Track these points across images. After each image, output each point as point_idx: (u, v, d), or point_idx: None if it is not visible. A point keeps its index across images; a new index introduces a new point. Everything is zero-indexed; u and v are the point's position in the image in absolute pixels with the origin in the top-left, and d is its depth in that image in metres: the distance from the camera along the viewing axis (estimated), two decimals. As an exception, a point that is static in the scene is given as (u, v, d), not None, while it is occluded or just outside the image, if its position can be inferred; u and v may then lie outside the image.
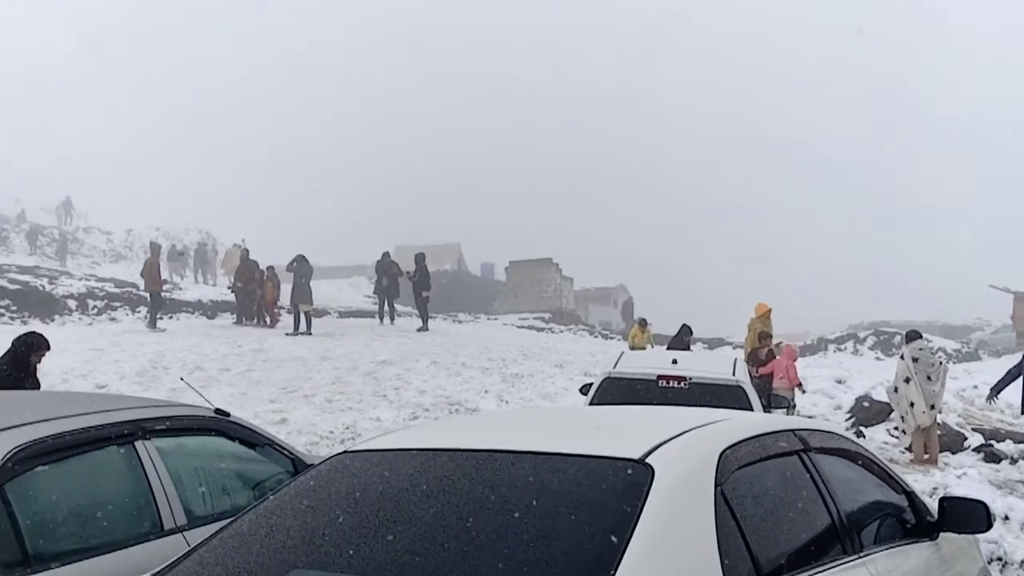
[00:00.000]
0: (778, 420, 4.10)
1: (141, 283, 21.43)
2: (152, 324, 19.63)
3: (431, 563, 2.24)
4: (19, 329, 19.10)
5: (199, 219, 49.11)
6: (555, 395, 13.70)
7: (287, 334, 19.42)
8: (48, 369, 13.53)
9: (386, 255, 23.44)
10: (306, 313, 20.14)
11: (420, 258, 22.17)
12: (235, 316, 22.22)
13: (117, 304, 22.52)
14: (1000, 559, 7.25)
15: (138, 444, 3.74)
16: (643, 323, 19.17)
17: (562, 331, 32.15)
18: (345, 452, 3.03)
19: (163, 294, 21.23)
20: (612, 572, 2.06)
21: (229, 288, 23.46)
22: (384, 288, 23.01)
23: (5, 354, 7.41)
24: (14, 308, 20.77)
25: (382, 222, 62.16)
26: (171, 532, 3.64)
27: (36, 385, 7.38)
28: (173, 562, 2.57)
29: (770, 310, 14.57)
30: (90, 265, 35.72)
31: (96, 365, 13.95)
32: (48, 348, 7.47)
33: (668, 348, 13.53)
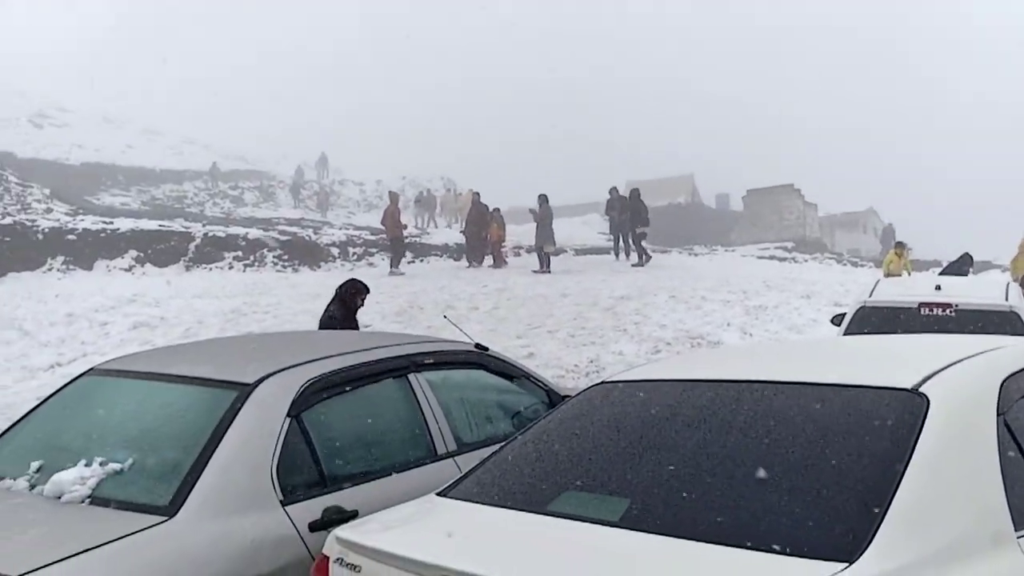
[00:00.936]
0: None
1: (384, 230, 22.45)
2: (395, 268, 20.53)
3: (699, 489, 2.29)
4: (292, 276, 21.17)
5: (442, 167, 51.34)
6: (803, 327, 13.19)
7: (533, 271, 20.05)
8: (319, 311, 14.92)
9: (614, 191, 23.38)
10: (548, 253, 20.68)
11: (635, 194, 22.01)
12: (466, 259, 23.03)
13: (374, 251, 24.15)
14: None
15: (411, 376, 4.04)
16: (900, 247, 17.91)
17: (806, 260, 30.73)
18: (604, 383, 3.13)
19: (405, 240, 22.27)
20: (886, 505, 2.01)
21: (461, 231, 24.28)
22: (617, 224, 23.02)
23: (332, 300, 8.25)
24: (285, 257, 22.88)
25: (614, 157, 61.85)
26: (443, 457, 3.90)
27: (356, 327, 8.15)
28: (454, 482, 2.79)
29: None
30: (347, 215, 38.51)
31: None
32: (368, 292, 8.27)
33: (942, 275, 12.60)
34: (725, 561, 1.97)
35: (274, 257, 22.75)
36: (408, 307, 14.86)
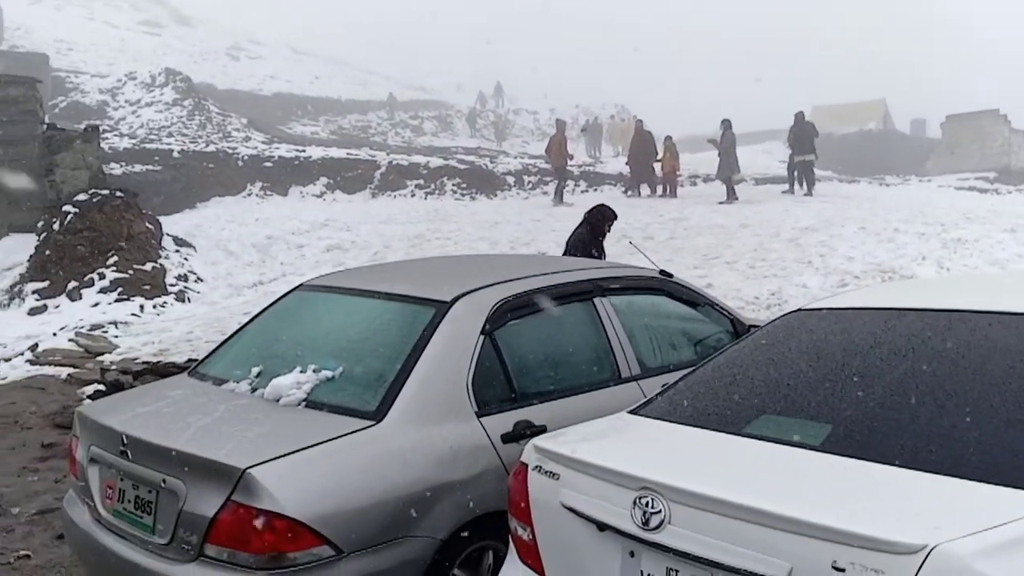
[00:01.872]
0: None
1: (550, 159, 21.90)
2: (559, 198, 20.22)
3: (902, 416, 2.23)
4: (470, 204, 21.69)
5: (616, 95, 50.60)
6: (1006, 262, 12.24)
7: (719, 203, 19.43)
8: (497, 238, 15.28)
9: (800, 115, 22.04)
10: (734, 182, 20.10)
11: (799, 117, 20.84)
12: (625, 187, 22.47)
13: (548, 179, 24.33)
14: None
15: (596, 300, 4.08)
16: None
17: (1011, 192, 28.35)
18: (800, 310, 3.06)
19: (569, 169, 21.88)
20: None
21: (626, 162, 23.71)
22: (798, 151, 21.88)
23: (580, 224, 8.33)
24: (464, 185, 23.44)
25: (799, 81, 58.76)
26: (627, 380, 3.94)
27: (603, 252, 8.22)
28: (647, 401, 2.84)
29: None
30: (521, 144, 38.79)
31: (536, 234, 15.32)
32: (616, 218, 8.31)
33: None
34: (930, 488, 1.93)
35: (453, 185, 23.35)
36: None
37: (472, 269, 4.61)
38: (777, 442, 2.28)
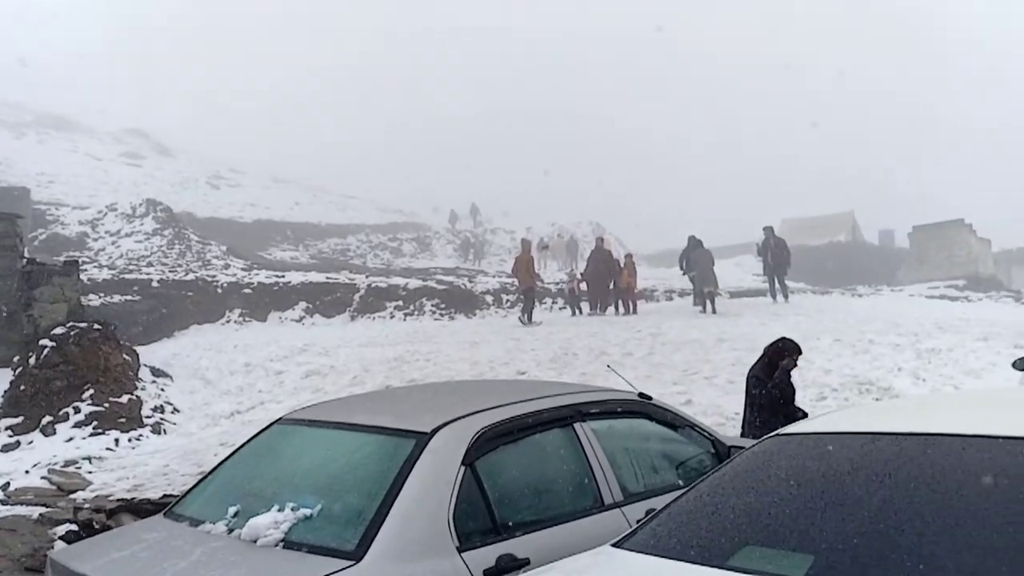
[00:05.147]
0: None
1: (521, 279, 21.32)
2: (527, 319, 19.84)
3: (887, 547, 2.23)
4: (449, 324, 21.76)
5: (592, 214, 51.66)
6: (981, 371, 12.36)
7: (700, 311, 20.21)
8: (477, 358, 15.28)
9: (769, 230, 22.81)
10: (710, 294, 20.66)
11: (768, 231, 21.96)
12: (589, 305, 22.33)
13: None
14: None
15: (577, 426, 4.08)
16: None
17: (981, 299, 28.90)
18: (778, 434, 3.09)
19: (537, 289, 21.61)
20: None
21: (579, 276, 23.54)
22: (771, 266, 22.46)
23: (760, 358, 7.52)
24: (443, 305, 23.57)
25: (768, 197, 60.40)
26: (611, 507, 3.90)
27: (789, 389, 7.29)
28: (630, 533, 2.82)
29: None
30: (499, 263, 39.23)
31: (516, 354, 15.33)
32: (800, 352, 7.34)
33: None
34: None
35: (432, 306, 23.47)
36: (563, 354, 14.96)
37: (452, 397, 4.62)
38: (760, 575, 2.26)
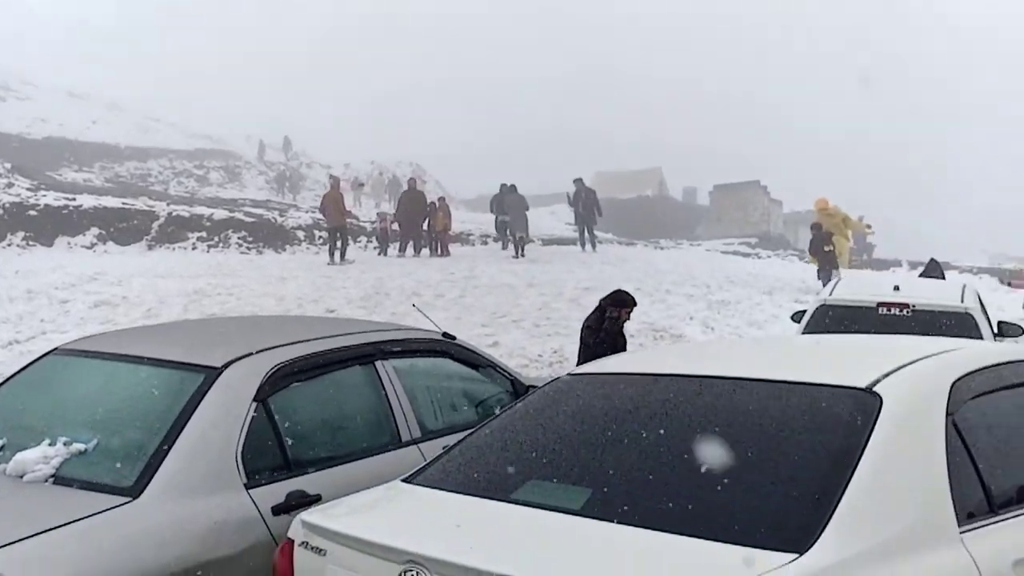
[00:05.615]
0: (1015, 350, 3.88)
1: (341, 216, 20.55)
2: (338, 258, 19.30)
3: (658, 481, 2.37)
4: (256, 259, 21.01)
5: (412, 155, 51.16)
6: (764, 323, 13.39)
7: (512, 257, 20.60)
8: (283, 294, 14.87)
9: (579, 182, 23.44)
10: (521, 240, 21.17)
11: (578, 183, 22.73)
12: (379, 245, 22.29)
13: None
14: None
15: (377, 364, 4.06)
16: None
17: (770, 256, 31.16)
18: (570, 375, 3.19)
19: (348, 227, 20.99)
20: (837, 499, 2.10)
21: (390, 217, 23.53)
22: (582, 216, 23.18)
23: (595, 310, 7.47)
24: (250, 239, 22.71)
25: (582, 149, 62.02)
26: (408, 444, 3.92)
27: (623, 344, 7.29)
28: (420, 468, 2.84)
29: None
30: (314, 198, 38.19)
31: (325, 292, 15.06)
32: (635, 304, 7.37)
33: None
34: (680, 550, 2.04)
35: (239, 239, 22.56)
36: (374, 293, 14.85)
37: (248, 332, 4.44)
38: (541, 508, 2.34)
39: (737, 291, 16.18)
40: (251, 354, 3.62)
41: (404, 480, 2.78)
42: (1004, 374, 2.86)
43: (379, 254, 22.15)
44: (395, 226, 22.69)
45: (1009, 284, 13.15)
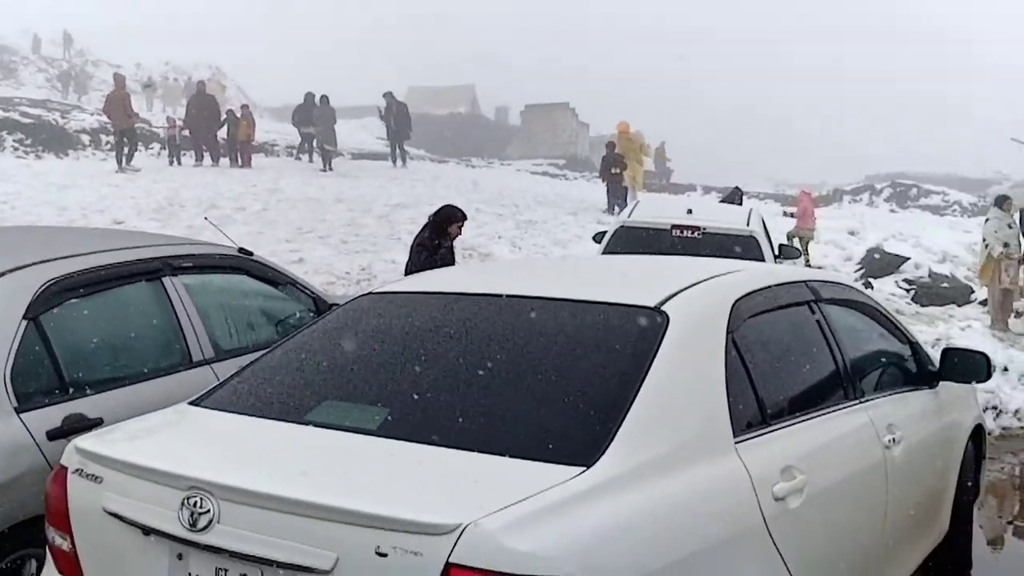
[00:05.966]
0: (791, 271, 4.18)
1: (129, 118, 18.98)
2: (124, 163, 18.12)
3: (452, 398, 2.38)
4: (35, 164, 19.22)
5: (209, 54, 48.01)
6: (568, 242, 13.78)
7: (321, 170, 20.10)
8: (66, 203, 13.73)
9: (390, 95, 22.82)
10: (329, 151, 20.67)
11: (389, 97, 22.37)
12: (169, 152, 21.17)
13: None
14: (995, 407, 7.53)
15: (165, 280, 3.83)
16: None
17: (576, 178, 31.96)
18: (370, 293, 3.13)
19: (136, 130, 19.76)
20: (624, 414, 2.18)
21: (179, 123, 22.10)
22: (393, 131, 22.76)
23: (424, 227, 7.31)
24: (27, 142, 20.73)
25: (395, 62, 60.59)
26: (199, 364, 3.77)
27: (453, 260, 7.28)
28: (209, 390, 2.71)
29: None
30: (101, 99, 35.29)
31: (113, 200, 14.07)
32: (465, 218, 7.34)
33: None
34: (472, 467, 2.07)
35: (15, 141, 20.55)
36: (168, 204, 14.02)
37: (19, 243, 4.06)
38: (336, 429, 2.30)
39: (544, 211, 16.53)
40: (21, 268, 3.34)
41: (191, 403, 2.65)
42: (780, 294, 3.06)
43: (171, 164, 20.84)
44: (185, 133, 21.30)
45: (785, 213, 14.36)
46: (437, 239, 7.09)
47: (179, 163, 20.57)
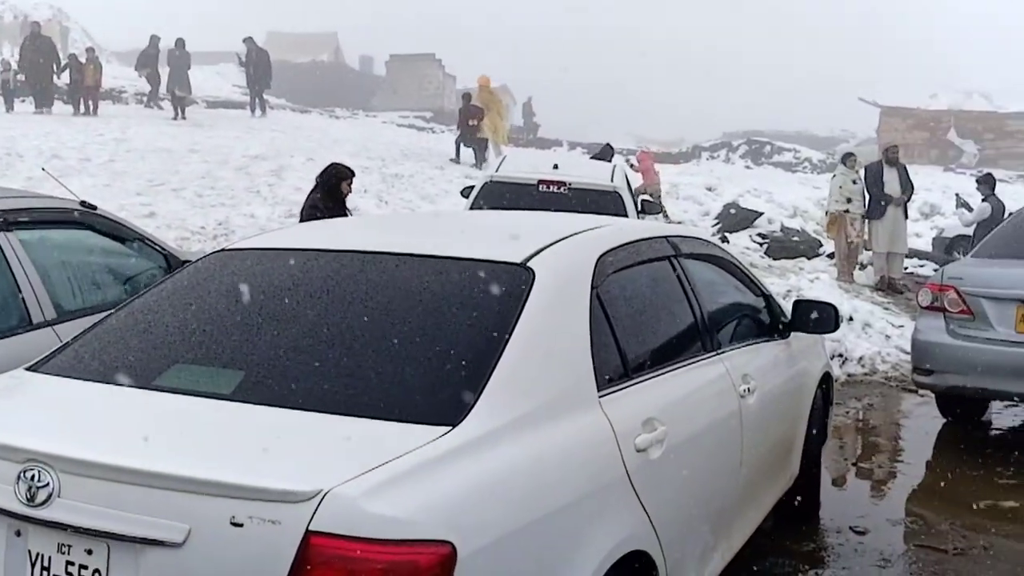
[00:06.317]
0: (652, 226, 4.26)
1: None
2: None
3: (312, 359, 2.29)
4: None
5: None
6: (435, 197, 13.65)
7: (172, 119, 19.10)
8: None
9: (250, 41, 21.66)
10: (182, 98, 19.63)
11: (249, 43, 21.29)
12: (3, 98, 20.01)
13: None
14: (841, 355, 8.00)
15: (0, 236, 3.57)
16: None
17: (443, 131, 31.63)
18: (224, 250, 2.98)
19: None
20: (491, 369, 2.16)
21: (14, 67, 20.92)
22: (252, 78, 21.80)
23: (314, 188, 7.20)
24: None
25: (254, 5, 57.96)
26: (40, 326, 3.53)
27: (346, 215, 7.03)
28: (48, 355, 2.53)
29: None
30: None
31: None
32: (353, 175, 7.31)
33: None
34: (335, 430, 2.00)
35: None
36: (4, 154, 13.04)
37: None
38: (187, 394, 2.18)
39: (411, 165, 16.30)
40: None
41: (28, 368, 2.47)
42: (642, 249, 3.10)
43: (8, 110, 19.37)
44: (20, 77, 19.86)
45: (632, 167, 14.90)
46: (331, 200, 7.00)
47: (13, 109, 19.13)
